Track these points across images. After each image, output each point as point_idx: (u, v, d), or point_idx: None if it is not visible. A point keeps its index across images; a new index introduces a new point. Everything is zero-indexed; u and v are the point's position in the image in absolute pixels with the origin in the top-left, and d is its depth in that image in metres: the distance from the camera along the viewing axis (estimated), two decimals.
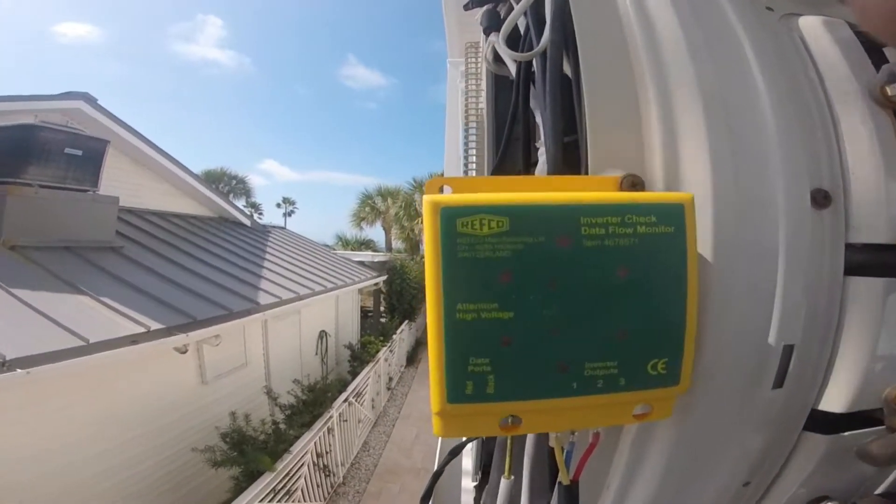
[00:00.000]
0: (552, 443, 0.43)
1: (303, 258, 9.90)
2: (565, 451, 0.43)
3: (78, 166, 5.26)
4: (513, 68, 0.64)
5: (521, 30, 0.65)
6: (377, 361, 8.72)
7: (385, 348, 9.60)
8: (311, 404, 6.11)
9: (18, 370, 2.86)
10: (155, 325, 4.03)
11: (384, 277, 12.71)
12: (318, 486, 5.50)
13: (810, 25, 0.47)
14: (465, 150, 1.12)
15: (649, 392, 0.36)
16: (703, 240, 0.40)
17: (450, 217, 0.33)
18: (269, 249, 9.17)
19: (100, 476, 3.97)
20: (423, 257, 0.37)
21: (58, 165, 5.04)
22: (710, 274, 0.40)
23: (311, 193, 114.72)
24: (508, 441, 0.49)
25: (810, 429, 0.46)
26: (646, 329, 0.35)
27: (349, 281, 9.75)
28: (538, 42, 0.54)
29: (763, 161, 0.42)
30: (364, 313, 12.96)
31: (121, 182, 6.45)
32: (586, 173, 0.44)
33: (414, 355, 13.03)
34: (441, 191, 0.38)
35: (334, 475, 6.06)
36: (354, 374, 7.94)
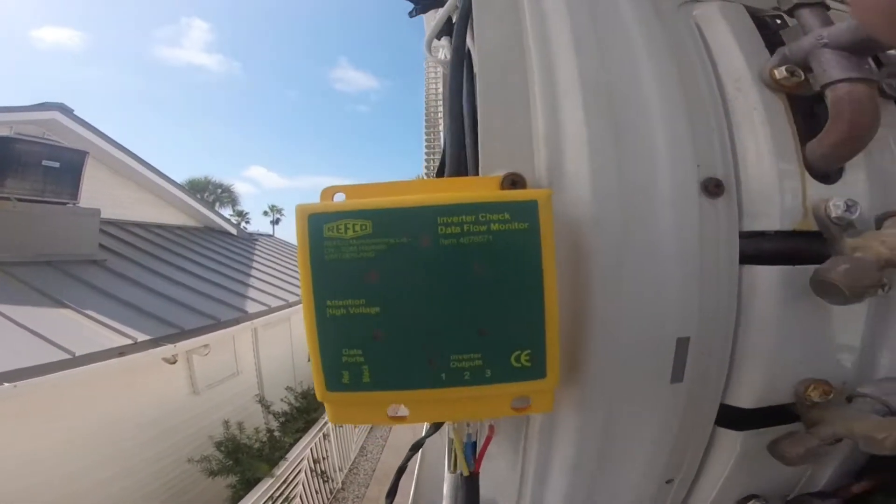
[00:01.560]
0: (450, 434, 0.44)
1: (291, 265, 9.81)
2: (466, 443, 0.44)
3: (56, 178, 5.16)
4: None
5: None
6: None
7: None
8: (305, 411, 6.06)
9: (6, 384, 2.82)
10: (142, 337, 3.98)
11: None
12: (317, 492, 5.46)
13: (706, 11, 0.47)
14: (425, 152, 1.21)
15: (519, 385, 0.37)
16: (586, 232, 0.40)
17: (316, 222, 0.37)
18: (256, 258, 9.09)
19: (94, 488, 3.92)
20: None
21: (35, 178, 4.94)
22: (593, 267, 0.40)
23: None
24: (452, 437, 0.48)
25: (723, 425, 0.45)
26: (505, 322, 0.36)
27: None
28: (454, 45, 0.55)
29: (650, 151, 0.41)
30: None
31: (101, 194, 6.33)
32: (468, 173, 0.46)
33: None
34: (333, 198, 0.40)
35: (333, 480, 6.01)
36: None
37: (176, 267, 6.47)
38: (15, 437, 3.40)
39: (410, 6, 0.80)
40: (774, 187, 0.41)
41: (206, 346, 4.89)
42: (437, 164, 0.79)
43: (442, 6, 0.68)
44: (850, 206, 0.38)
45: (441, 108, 1.08)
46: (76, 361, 3.32)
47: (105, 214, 5.93)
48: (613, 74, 0.43)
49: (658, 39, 0.45)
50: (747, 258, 0.42)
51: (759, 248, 0.42)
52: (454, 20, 0.58)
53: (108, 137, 6.66)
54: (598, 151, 0.40)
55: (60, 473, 3.62)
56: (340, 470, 6.43)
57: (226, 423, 4.86)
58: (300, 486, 4.94)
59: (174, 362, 4.74)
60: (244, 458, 4.48)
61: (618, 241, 0.40)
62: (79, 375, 3.31)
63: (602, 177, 0.40)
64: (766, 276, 0.41)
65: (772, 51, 0.44)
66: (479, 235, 0.35)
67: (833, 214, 0.39)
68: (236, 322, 5.47)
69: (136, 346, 3.86)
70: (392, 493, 0.66)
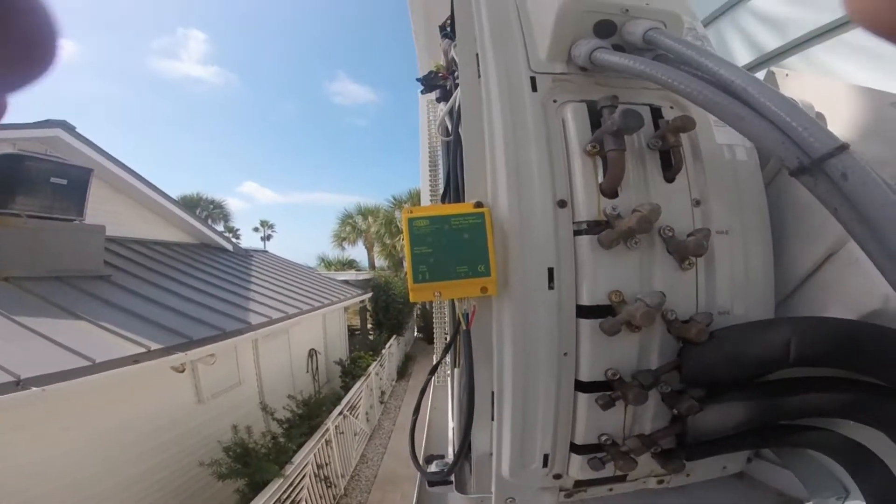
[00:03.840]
0: (458, 310, 0.86)
1: (288, 280, 10.03)
2: (464, 312, 0.86)
3: (64, 195, 5.32)
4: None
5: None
6: (368, 375, 8.84)
7: (375, 363, 9.72)
8: (307, 417, 6.24)
9: (34, 388, 3.00)
10: (154, 346, 4.18)
11: (369, 294, 12.86)
12: (321, 497, 5.60)
13: (567, 110, 0.87)
14: (432, 187, 2.03)
15: (481, 279, 0.81)
16: (505, 223, 0.83)
17: (410, 219, 0.82)
18: (253, 272, 9.30)
19: (105, 493, 4.08)
20: (406, 273, 0.83)
21: (44, 195, 5.10)
22: (509, 238, 0.83)
23: (293, 215, 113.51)
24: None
25: (581, 316, 0.84)
26: (475, 255, 0.81)
27: (335, 299, 9.92)
28: (452, 131, 1.13)
29: (533, 187, 0.84)
30: (351, 331, 13.04)
31: (103, 210, 6.52)
32: (463, 201, 0.92)
33: (404, 369, 13.14)
34: (410, 212, 0.84)
35: (336, 486, 6.15)
36: (347, 389, 8.04)
37: (177, 281, 6.67)
38: (41, 440, 3.59)
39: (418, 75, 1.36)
40: (586, 202, 0.83)
41: (211, 355, 5.07)
42: (441, 191, 1.33)
43: (437, 90, 1.34)
44: (615, 209, 0.81)
45: (438, 148, 1.85)
46: (96, 368, 3.52)
47: (107, 231, 6.10)
48: (519, 155, 0.84)
49: (542, 128, 0.86)
50: (576, 233, 0.84)
51: (580, 229, 0.83)
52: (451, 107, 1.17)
53: (109, 155, 6.86)
54: (510, 190, 0.83)
55: (81, 476, 3.81)
56: (343, 476, 6.57)
57: (234, 428, 5.01)
58: (305, 491, 5.09)
59: (182, 371, 4.92)
60: (253, 461, 4.64)
61: (518, 225, 0.83)
62: (99, 381, 3.51)
63: (511, 200, 0.83)
64: (585, 241, 0.82)
65: (597, 126, 0.85)
66: (465, 223, 0.82)
67: (608, 212, 0.81)
68: (240, 332, 5.65)
69: (150, 354, 4.05)
70: (416, 410, 1.10)
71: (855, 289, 0.81)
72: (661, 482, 1.02)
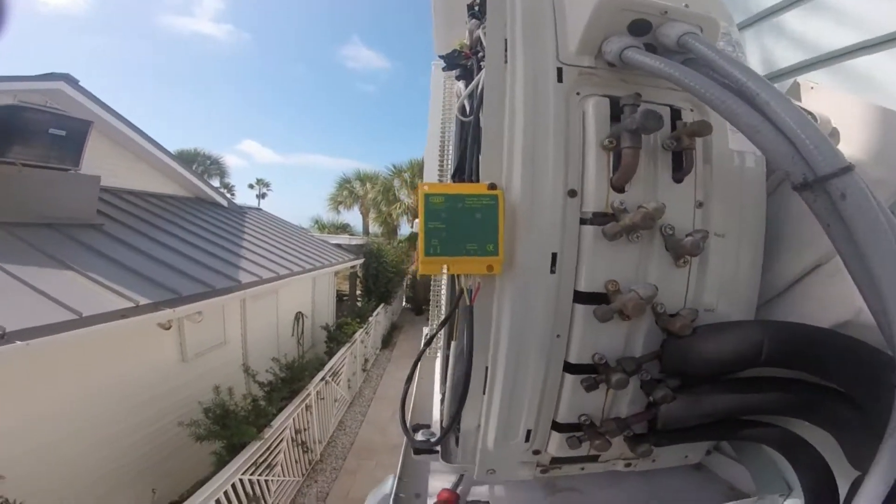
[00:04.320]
0: (462, 285, 0.90)
1: (280, 239, 9.95)
2: (469, 288, 0.90)
3: (61, 146, 5.27)
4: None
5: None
6: (353, 342, 8.91)
7: (361, 330, 9.78)
8: (289, 381, 6.29)
9: (18, 342, 2.94)
10: (142, 300, 4.15)
11: (361, 260, 12.85)
12: (296, 461, 5.70)
13: (588, 103, 0.89)
14: (440, 163, 2.09)
15: (488, 258, 0.84)
16: (518, 206, 0.86)
17: (426, 195, 0.84)
18: (246, 230, 9.20)
19: (85, 452, 4.10)
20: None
21: (42, 145, 5.06)
22: (518, 221, 0.87)
23: (292, 176, 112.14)
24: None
25: (577, 301, 0.89)
26: (485, 233, 0.84)
27: (326, 263, 9.88)
28: (470, 112, 1.16)
29: (546, 175, 0.87)
30: (339, 297, 13.07)
31: (100, 162, 6.41)
32: (478, 181, 0.93)
33: (389, 339, 13.25)
34: (426, 187, 0.87)
35: (312, 452, 6.26)
36: (331, 355, 8.08)
37: (169, 234, 6.61)
38: (26, 395, 3.57)
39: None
40: (596, 194, 0.86)
41: (199, 312, 5.06)
42: (451, 168, 1.38)
43: (458, 69, 1.34)
44: (622, 203, 0.85)
45: (449, 124, 1.93)
46: (83, 322, 3.49)
47: (103, 182, 6.02)
48: (536, 143, 0.87)
49: (562, 120, 0.88)
50: (582, 222, 0.88)
51: (586, 219, 0.87)
52: (472, 93, 1.19)
53: (110, 109, 6.73)
54: (524, 176, 0.87)
55: (51, 438, 3.78)
56: (320, 442, 6.67)
57: (216, 389, 5.05)
58: (282, 455, 5.18)
59: (169, 328, 4.93)
60: (232, 423, 4.69)
61: (528, 210, 0.86)
62: (85, 336, 3.47)
63: (525, 185, 0.87)
64: (590, 230, 0.86)
65: (616, 121, 0.87)
66: (479, 203, 0.84)
67: (615, 205, 0.85)
68: (229, 290, 5.65)
69: (138, 310, 4.03)
70: (409, 379, 1.15)
71: (833, 299, 0.87)
72: (628, 465, 1.10)
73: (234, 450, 4.49)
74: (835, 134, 0.97)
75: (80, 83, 6.18)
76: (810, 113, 0.95)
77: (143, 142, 7.48)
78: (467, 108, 1.21)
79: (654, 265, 0.90)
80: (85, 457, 4.12)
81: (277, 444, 5.08)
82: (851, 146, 0.93)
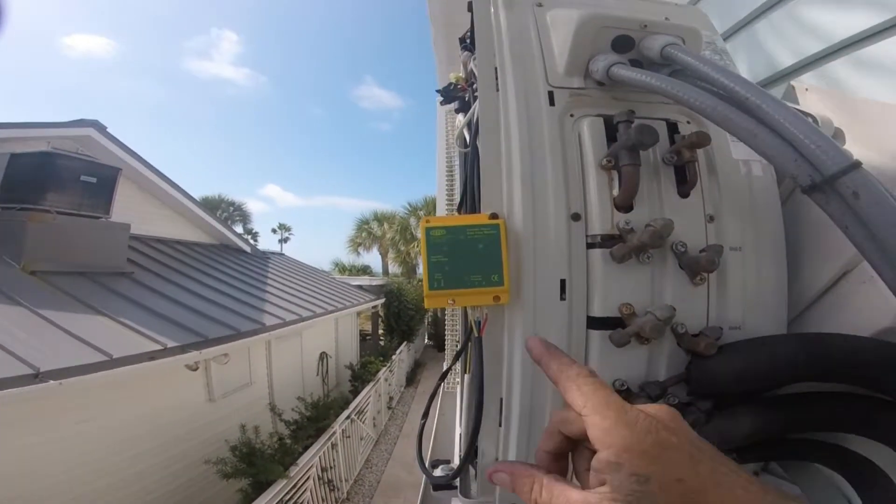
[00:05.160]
0: (470, 317, 0.86)
1: (303, 283, 10.13)
2: (477, 320, 0.85)
3: (92, 193, 5.51)
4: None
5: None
6: (378, 380, 8.86)
7: (385, 368, 9.74)
8: (315, 420, 6.26)
9: (52, 381, 3.06)
10: (170, 343, 4.26)
11: (382, 300, 12.92)
12: (323, 500, 5.63)
13: (583, 124, 0.87)
14: (448, 196, 2.00)
15: (494, 288, 0.80)
16: (521, 233, 0.83)
17: (427, 229, 0.81)
18: (269, 274, 9.42)
19: (111, 486, 4.14)
20: (419, 280, 0.93)
21: (74, 192, 5.29)
22: (522, 249, 0.83)
23: (313, 219, 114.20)
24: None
25: (590, 327, 0.84)
26: (489, 265, 0.80)
27: (348, 304, 9.97)
28: (469, 143, 1.10)
29: (547, 200, 0.84)
30: (362, 336, 13.09)
31: (128, 209, 6.68)
32: (478, 212, 0.90)
33: (413, 376, 13.14)
34: (428, 222, 0.85)
35: (339, 490, 6.16)
36: (356, 394, 8.08)
37: (196, 280, 6.80)
38: (56, 431, 3.66)
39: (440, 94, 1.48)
40: (600, 216, 0.83)
41: (225, 354, 5.14)
42: (458, 201, 1.33)
43: (456, 101, 1.33)
44: (628, 223, 0.81)
45: (455, 157, 1.76)
46: (114, 363, 3.60)
47: (131, 230, 6.26)
48: (535, 168, 0.84)
49: (557, 143, 0.86)
50: (589, 246, 0.83)
51: (594, 242, 0.82)
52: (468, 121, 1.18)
53: (137, 155, 7.09)
54: (525, 203, 0.83)
55: (79, 473, 3.86)
56: (346, 480, 6.58)
57: (242, 427, 5.05)
58: (308, 493, 5.12)
59: (196, 369, 5.00)
60: (258, 461, 4.67)
61: (532, 237, 0.82)
62: (115, 376, 3.58)
63: (526, 213, 0.83)
64: (598, 254, 0.82)
65: (613, 140, 0.84)
66: (480, 234, 0.80)
67: (621, 226, 0.81)
68: (254, 333, 5.73)
69: (166, 352, 4.14)
70: (425, 414, 1.09)
71: (868, 306, 0.81)
72: None
73: (260, 487, 4.49)
74: (839, 135, 0.94)
75: (107, 129, 6.52)
76: (809, 115, 0.93)
77: (168, 188, 7.82)
78: (466, 139, 1.22)
79: (670, 285, 0.86)
80: (115, 490, 4.19)
81: (304, 483, 5.03)
82: (859, 144, 0.90)
